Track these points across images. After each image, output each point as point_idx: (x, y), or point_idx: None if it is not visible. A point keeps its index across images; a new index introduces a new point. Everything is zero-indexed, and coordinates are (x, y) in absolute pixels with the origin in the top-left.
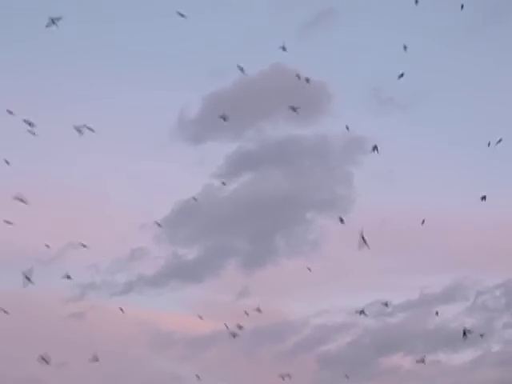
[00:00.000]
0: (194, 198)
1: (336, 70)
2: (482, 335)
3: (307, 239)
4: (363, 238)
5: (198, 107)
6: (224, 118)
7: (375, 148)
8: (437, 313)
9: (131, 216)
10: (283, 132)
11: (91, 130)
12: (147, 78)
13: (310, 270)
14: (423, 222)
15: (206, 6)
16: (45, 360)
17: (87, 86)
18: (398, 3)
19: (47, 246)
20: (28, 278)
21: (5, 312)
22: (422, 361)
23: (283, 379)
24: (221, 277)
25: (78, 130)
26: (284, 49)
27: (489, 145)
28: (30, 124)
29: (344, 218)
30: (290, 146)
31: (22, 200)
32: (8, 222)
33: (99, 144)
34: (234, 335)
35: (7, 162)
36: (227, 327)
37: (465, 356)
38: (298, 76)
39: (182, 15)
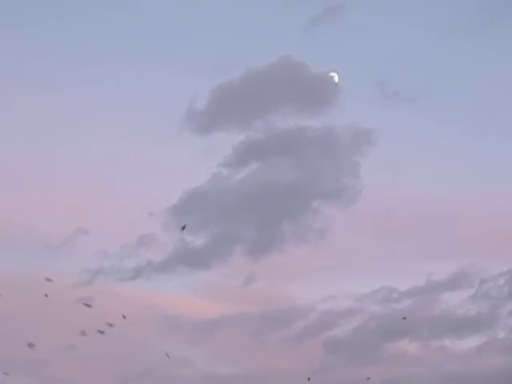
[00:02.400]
0: None
1: (343, 63)
2: None
3: (313, 227)
4: None
5: (206, 98)
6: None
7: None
8: None
9: (140, 203)
10: (290, 123)
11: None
12: (157, 69)
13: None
14: None
15: None
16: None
17: (100, 72)
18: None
19: None
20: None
21: None
22: None
23: None
24: (228, 263)
25: None
26: None
27: None
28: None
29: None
30: (297, 136)
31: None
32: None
33: (110, 131)
34: None
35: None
36: None
37: (470, 342)
38: None
39: None
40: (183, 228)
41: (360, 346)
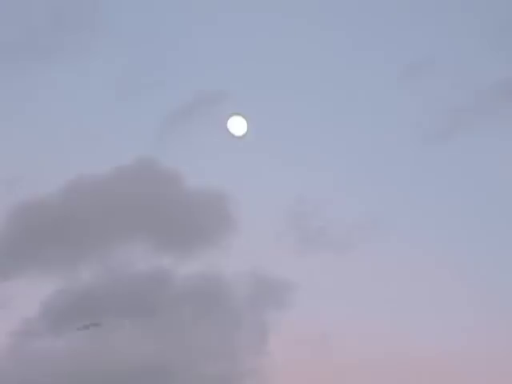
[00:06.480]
0: None
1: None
2: None
3: None
4: None
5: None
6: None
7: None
8: None
9: None
10: (146, 265)
11: None
12: None
13: None
14: None
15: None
16: None
17: None
18: None
19: None
20: None
21: None
22: None
23: None
24: None
25: None
26: None
27: None
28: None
29: None
30: (157, 287)
31: None
32: None
33: None
34: None
35: None
36: None
37: None
38: None
39: None
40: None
41: None
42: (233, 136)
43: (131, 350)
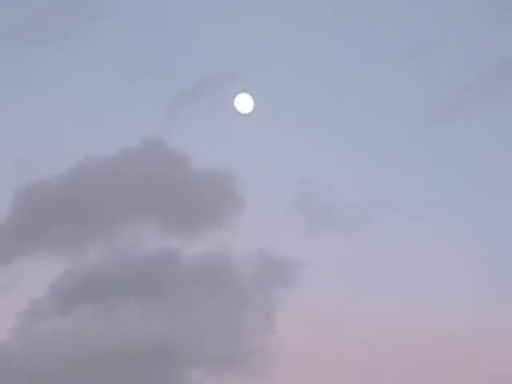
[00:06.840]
0: None
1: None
2: None
3: None
4: None
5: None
6: None
7: None
8: None
9: None
10: (154, 245)
11: None
12: None
13: None
14: None
15: None
16: None
17: None
18: None
19: None
20: None
21: None
22: None
23: None
24: None
25: None
26: None
27: None
28: None
29: None
30: (164, 267)
31: None
32: None
33: None
34: None
35: None
36: None
37: None
38: None
39: None
40: None
41: None
42: (239, 114)
43: (139, 330)
